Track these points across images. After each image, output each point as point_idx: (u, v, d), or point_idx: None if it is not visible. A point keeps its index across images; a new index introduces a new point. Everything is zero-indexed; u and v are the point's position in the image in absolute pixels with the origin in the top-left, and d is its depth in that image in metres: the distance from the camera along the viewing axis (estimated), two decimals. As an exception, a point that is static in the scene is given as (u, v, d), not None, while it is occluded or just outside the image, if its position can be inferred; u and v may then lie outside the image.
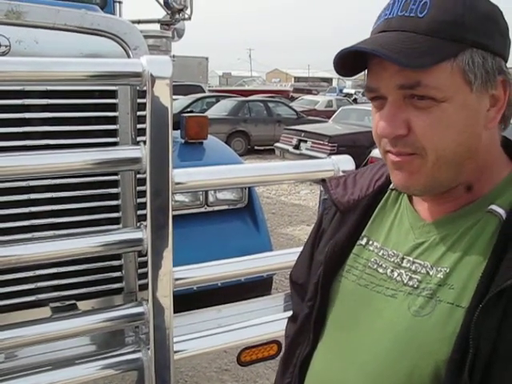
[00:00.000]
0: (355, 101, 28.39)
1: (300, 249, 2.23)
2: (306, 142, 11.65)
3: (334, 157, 2.09)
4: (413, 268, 0.96)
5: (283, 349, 2.11)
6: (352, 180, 1.16)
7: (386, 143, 0.93)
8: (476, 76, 0.86)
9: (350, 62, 0.92)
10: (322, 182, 1.20)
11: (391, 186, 1.09)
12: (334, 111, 15.29)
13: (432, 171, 0.90)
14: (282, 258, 2.14)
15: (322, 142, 11.05)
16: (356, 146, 10.32)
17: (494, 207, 0.90)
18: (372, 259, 1.04)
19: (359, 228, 1.09)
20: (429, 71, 0.85)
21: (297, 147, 11.92)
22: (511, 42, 0.92)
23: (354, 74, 0.95)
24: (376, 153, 8.12)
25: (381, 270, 1.01)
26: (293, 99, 24.98)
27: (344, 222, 1.12)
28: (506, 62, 0.90)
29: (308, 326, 1.12)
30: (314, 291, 1.11)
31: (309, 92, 32.65)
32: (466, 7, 0.86)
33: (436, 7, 0.86)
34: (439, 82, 0.85)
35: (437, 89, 0.85)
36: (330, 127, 12.18)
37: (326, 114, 17.67)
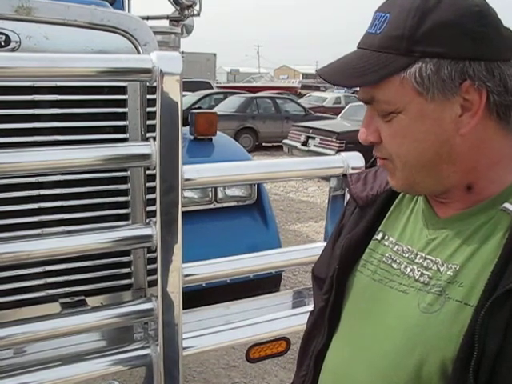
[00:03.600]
0: (363, 97, 28.20)
1: (308, 245, 2.25)
2: (314, 138, 11.63)
3: (343, 153, 2.08)
4: (424, 264, 0.96)
5: (291, 346, 2.12)
6: (372, 175, 1.17)
7: None
8: (428, 86, 0.86)
9: None
10: (344, 176, 1.22)
11: None
12: (342, 108, 15.25)
13: (404, 175, 0.95)
14: (290, 255, 2.14)
15: (330, 139, 11.02)
16: (364, 142, 10.27)
17: (507, 205, 0.89)
18: (387, 254, 1.04)
19: (376, 223, 1.10)
20: (379, 87, 0.89)
21: (305, 144, 11.90)
22: (492, 41, 0.87)
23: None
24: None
25: (395, 266, 1.01)
26: (301, 96, 24.90)
27: (362, 217, 1.13)
28: (494, 61, 0.86)
29: (323, 319, 1.12)
30: (330, 285, 1.11)
31: (317, 89, 32.53)
32: (416, 19, 0.86)
33: (391, 23, 0.88)
34: (389, 96, 0.89)
35: (387, 102, 0.90)
36: (338, 124, 12.15)
37: (334, 111, 17.61)
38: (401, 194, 1.09)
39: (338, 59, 0.96)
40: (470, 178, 0.93)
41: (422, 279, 0.95)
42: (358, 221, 1.13)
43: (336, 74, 0.93)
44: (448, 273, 0.91)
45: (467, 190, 0.94)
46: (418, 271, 0.96)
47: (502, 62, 0.87)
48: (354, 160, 2.05)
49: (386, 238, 1.06)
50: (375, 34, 0.90)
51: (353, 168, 2.01)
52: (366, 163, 2.05)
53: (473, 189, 0.93)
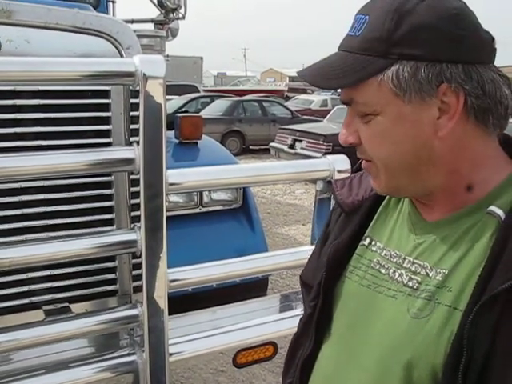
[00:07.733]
0: (350, 100, 28.37)
1: (295, 249, 2.24)
2: (301, 141, 11.63)
3: (329, 156, 2.08)
4: (413, 269, 0.95)
5: (279, 350, 2.11)
6: (357, 181, 1.16)
7: None
8: (405, 89, 0.86)
9: None
10: (329, 183, 1.21)
11: None
12: (329, 110, 15.28)
13: (387, 177, 0.94)
14: (277, 259, 2.13)
15: (317, 142, 11.03)
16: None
17: (493, 208, 0.88)
18: (375, 260, 1.03)
19: (362, 228, 1.09)
20: (358, 88, 0.90)
21: (292, 147, 11.90)
22: (470, 44, 0.86)
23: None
24: (371, 152, 8.05)
25: (383, 271, 1.01)
26: (288, 99, 24.94)
27: (348, 223, 1.12)
28: (472, 64, 0.86)
29: (310, 326, 1.11)
30: (317, 291, 1.10)
31: (303, 91, 32.60)
32: (394, 22, 0.86)
33: (369, 25, 0.89)
34: (367, 98, 0.90)
35: (365, 104, 0.90)
36: (325, 126, 12.16)
37: (321, 114, 17.64)
38: (386, 199, 1.09)
39: (319, 61, 0.96)
40: (453, 181, 0.92)
41: (410, 284, 0.94)
42: (344, 227, 1.12)
43: (316, 76, 0.94)
44: (437, 278, 0.91)
45: (467, 191, 0.93)
46: (407, 276, 0.96)
47: (480, 65, 0.87)
48: (340, 163, 2.05)
49: (374, 243, 1.06)
50: (354, 36, 0.91)
51: (339, 171, 2.01)
52: (352, 166, 2.05)
53: (458, 192, 0.93)
